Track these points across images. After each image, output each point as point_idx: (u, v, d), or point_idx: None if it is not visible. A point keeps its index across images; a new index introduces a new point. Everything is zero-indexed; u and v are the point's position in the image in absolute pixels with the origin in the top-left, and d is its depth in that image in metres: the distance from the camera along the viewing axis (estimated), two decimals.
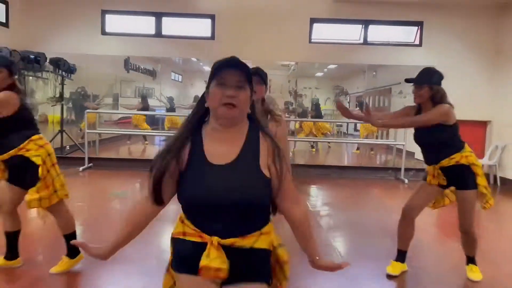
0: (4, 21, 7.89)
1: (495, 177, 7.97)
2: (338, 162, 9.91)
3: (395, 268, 3.48)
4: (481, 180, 3.25)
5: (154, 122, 11.23)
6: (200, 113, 1.56)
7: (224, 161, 1.49)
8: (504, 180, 7.85)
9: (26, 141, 3.00)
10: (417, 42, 8.48)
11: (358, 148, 10.69)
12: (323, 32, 8.56)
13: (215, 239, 1.46)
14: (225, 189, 1.45)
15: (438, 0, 7.94)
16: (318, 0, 8.32)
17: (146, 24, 8.55)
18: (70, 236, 3.20)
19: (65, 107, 8.75)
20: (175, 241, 1.57)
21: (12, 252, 3.21)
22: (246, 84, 1.51)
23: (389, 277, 3.41)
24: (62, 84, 8.40)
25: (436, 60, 8.23)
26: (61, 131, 8.35)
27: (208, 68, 9.85)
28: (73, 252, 3.22)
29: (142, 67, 11.08)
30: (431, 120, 3.23)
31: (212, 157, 1.49)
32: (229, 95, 1.46)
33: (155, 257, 3.58)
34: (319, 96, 9.95)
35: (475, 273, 3.45)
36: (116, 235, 1.57)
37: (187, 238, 1.51)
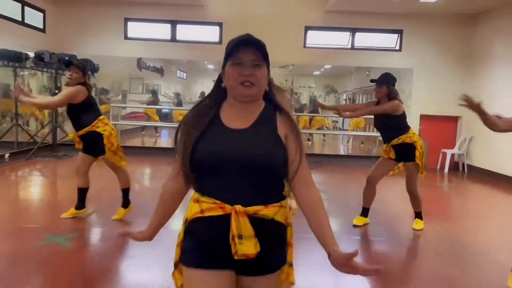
0: (41, 27, 9.08)
1: (463, 164, 9.11)
2: (329, 152, 11.05)
3: (359, 220, 4.68)
4: (418, 154, 4.46)
5: (162, 116, 12.20)
6: (218, 93, 1.50)
7: (241, 126, 1.43)
8: (470, 167, 8.99)
9: (96, 120, 4.22)
10: (397, 47, 9.50)
11: (348, 141, 11.86)
12: (316, 38, 9.56)
13: (239, 206, 1.33)
14: (245, 149, 1.37)
15: (416, 11, 8.89)
16: (312, 10, 9.30)
17: (163, 30, 9.57)
18: (126, 190, 4.43)
19: None
20: (192, 223, 1.42)
21: (81, 204, 4.43)
22: (263, 62, 1.44)
23: (355, 226, 4.62)
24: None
25: (414, 63, 9.37)
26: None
27: (212, 67, 10.99)
28: (126, 204, 4.46)
29: (152, 65, 12.20)
30: (385, 110, 4.43)
31: (229, 123, 1.44)
32: (246, 73, 1.40)
33: None
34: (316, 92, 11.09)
35: (417, 224, 4.65)
36: (153, 216, 1.57)
37: (206, 214, 1.37)
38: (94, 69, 9.36)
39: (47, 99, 4.41)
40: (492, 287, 3.26)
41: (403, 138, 4.45)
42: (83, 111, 4.19)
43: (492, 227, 5.16)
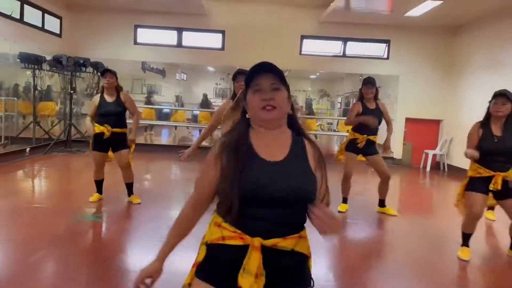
0: (58, 32, 9.82)
1: (444, 164, 9.90)
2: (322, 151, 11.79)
3: (342, 207, 5.44)
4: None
5: (162, 117, 12.80)
6: (243, 123, 1.52)
7: (274, 158, 1.43)
8: (450, 167, 9.75)
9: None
10: (385, 56, 10.25)
11: (341, 142, 12.60)
12: (311, 46, 10.27)
13: (257, 239, 1.35)
14: (286, 184, 1.37)
15: (402, 23, 9.60)
16: (307, 21, 10.02)
17: (170, 37, 10.27)
18: (130, 184, 5.20)
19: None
20: (211, 248, 1.44)
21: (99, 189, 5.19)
22: (281, 85, 1.46)
23: (339, 212, 5.38)
24: (98, 82, 10.33)
25: (400, 71, 10.15)
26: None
27: (212, 69, 11.69)
28: (130, 194, 5.23)
29: (155, 67, 12.91)
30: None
31: (265, 155, 1.44)
32: (266, 98, 1.42)
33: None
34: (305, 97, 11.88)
35: (387, 210, 5.42)
36: (165, 244, 1.54)
37: (227, 242, 1.39)
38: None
39: (136, 118, 5.07)
40: (454, 262, 4.03)
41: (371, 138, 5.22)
42: (123, 114, 4.97)
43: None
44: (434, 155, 9.92)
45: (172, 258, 1.59)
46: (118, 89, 4.93)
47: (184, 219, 1.55)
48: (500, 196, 3.74)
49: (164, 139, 12.85)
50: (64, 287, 2.98)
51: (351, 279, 3.42)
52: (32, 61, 8.52)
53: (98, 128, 4.82)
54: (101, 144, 4.88)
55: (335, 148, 12.66)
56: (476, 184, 3.76)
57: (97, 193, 5.19)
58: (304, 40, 10.28)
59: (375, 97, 5.23)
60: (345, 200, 5.48)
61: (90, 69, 9.65)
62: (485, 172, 3.71)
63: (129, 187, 5.23)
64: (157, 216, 4.76)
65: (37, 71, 8.81)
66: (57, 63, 8.83)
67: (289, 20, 10.06)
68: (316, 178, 1.47)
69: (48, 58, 8.85)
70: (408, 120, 10.18)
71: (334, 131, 12.86)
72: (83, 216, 4.60)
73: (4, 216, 4.56)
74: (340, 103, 12.13)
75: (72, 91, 9.35)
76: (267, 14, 9.99)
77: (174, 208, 5.30)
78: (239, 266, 1.35)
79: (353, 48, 10.33)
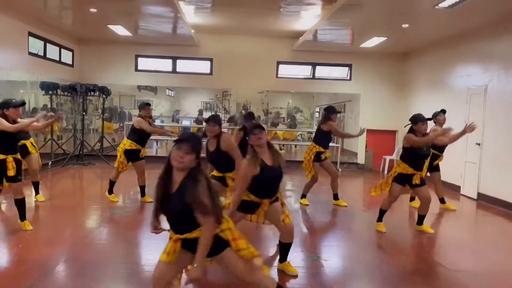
0: (71, 63, 11.45)
1: None
2: (292, 158, 13.53)
3: (304, 201, 7.11)
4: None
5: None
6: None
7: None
8: None
9: None
10: (348, 77, 12.05)
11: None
12: (285, 70, 12.03)
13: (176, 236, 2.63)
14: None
15: (362, 50, 11.29)
16: (283, 49, 11.71)
17: (166, 64, 11.94)
18: (143, 187, 6.76)
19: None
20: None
21: (110, 190, 6.73)
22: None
23: (302, 205, 7.06)
24: (103, 104, 11.92)
25: (361, 90, 12.01)
26: (102, 137, 11.90)
27: (198, 87, 13.42)
28: (143, 194, 6.82)
29: (148, 86, 14.56)
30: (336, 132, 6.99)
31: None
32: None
33: None
34: (287, 112, 13.67)
35: (340, 202, 7.13)
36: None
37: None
38: (108, 93, 11.62)
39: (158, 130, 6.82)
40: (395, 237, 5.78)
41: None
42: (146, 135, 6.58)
43: (405, 210, 7.69)
44: (391, 160, 11.74)
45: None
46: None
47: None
48: (414, 186, 5.44)
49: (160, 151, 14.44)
50: (118, 244, 4.65)
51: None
52: (50, 88, 10.09)
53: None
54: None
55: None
56: (400, 178, 5.42)
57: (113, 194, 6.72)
58: (280, 65, 12.02)
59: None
60: (304, 196, 7.05)
61: (97, 93, 11.23)
62: (410, 171, 5.36)
63: (142, 189, 6.83)
64: None
65: (53, 96, 10.38)
66: (72, 89, 10.43)
67: (267, 49, 11.76)
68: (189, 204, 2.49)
69: (62, 84, 10.40)
70: (369, 131, 11.91)
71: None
72: (114, 211, 6.25)
73: (60, 211, 6.18)
74: (319, 112, 13.80)
75: (84, 113, 10.95)
76: (248, 44, 11.69)
77: None
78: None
79: (321, 71, 12.14)
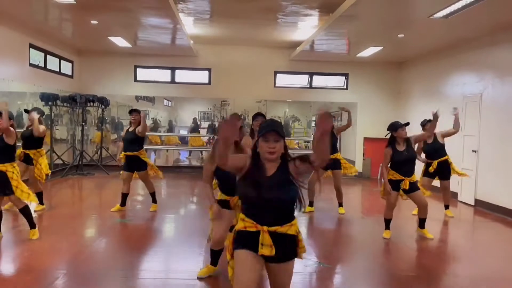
0: (70, 74, 11.52)
1: None
2: None
3: (308, 208, 7.19)
4: (344, 165, 7.05)
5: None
6: (256, 154, 2.44)
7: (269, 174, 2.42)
8: None
9: (142, 150, 6.66)
10: (345, 86, 12.17)
11: None
12: (283, 79, 12.13)
13: (265, 227, 2.32)
14: (275, 192, 2.36)
15: (358, 60, 11.40)
16: (280, 59, 11.83)
17: (165, 74, 12.02)
18: (153, 193, 6.79)
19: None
20: (239, 233, 2.42)
21: (123, 203, 6.73)
22: (281, 138, 2.38)
23: (304, 213, 7.11)
24: (103, 114, 11.96)
25: (358, 99, 12.11)
26: (101, 147, 11.92)
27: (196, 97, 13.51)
28: (154, 201, 6.85)
29: (146, 96, 14.61)
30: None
31: (265, 172, 2.42)
32: (271, 147, 2.37)
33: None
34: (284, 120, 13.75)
35: (340, 210, 7.15)
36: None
37: (248, 229, 2.38)
38: (107, 103, 11.65)
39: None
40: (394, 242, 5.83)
41: (333, 156, 7.00)
42: (140, 141, 6.56)
43: (404, 216, 7.75)
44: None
45: (175, 263, 3.31)
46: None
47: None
48: (408, 192, 5.54)
49: (158, 160, 14.46)
50: (119, 254, 4.68)
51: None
52: (50, 99, 10.11)
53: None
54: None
55: None
56: (391, 185, 5.53)
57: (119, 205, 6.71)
58: (278, 75, 12.12)
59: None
60: (311, 203, 7.12)
61: (96, 103, 11.27)
62: (398, 177, 5.51)
63: (152, 196, 6.83)
64: (162, 217, 6.48)
65: (53, 107, 10.41)
66: (72, 100, 10.48)
67: (265, 59, 11.87)
68: (298, 170, 2.39)
69: (62, 95, 10.42)
70: (366, 139, 12.10)
71: (309, 148, 14.60)
72: (120, 220, 6.27)
73: (63, 220, 6.19)
74: (315, 121, 13.96)
75: (84, 123, 10.99)
76: (246, 54, 11.80)
77: (179, 212, 7.02)
78: (255, 243, 2.34)
79: (318, 80, 12.25)
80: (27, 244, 4.91)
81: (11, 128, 4.83)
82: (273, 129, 2.37)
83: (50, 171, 6.70)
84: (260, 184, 2.37)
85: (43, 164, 6.25)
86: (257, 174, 2.41)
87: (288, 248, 2.43)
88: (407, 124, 5.79)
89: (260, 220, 2.37)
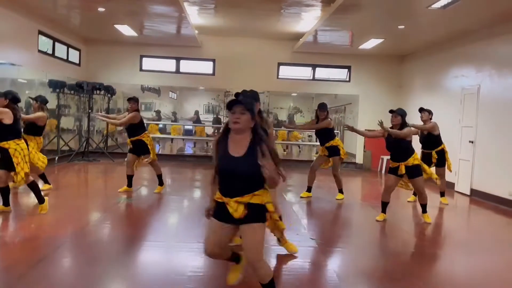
0: (78, 62, 11.74)
1: None
2: (303, 158, 13.80)
3: (305, 194, 7.37)
4: (342, 152, 7.20)
5: (161, 130, 14.91)
6: (226, 128, 2.71)
7: (238, 154, 2.63)
8: None
9: (144, 133, 6.87)
10: (347, 79, 12.29)
11: (316, 152, 14.61)
12: (286, 71, 12.28)
13: (228, 199, 2.64)
14: (241, 168, 2.61)
15: (361, 53, 11.55)
16: (283, 51, 11.96)
17: (170, 64, 12.20)
18: (160, 175, 7.03)
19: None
20: (216, 202, 2.76)
21: (129, 184, 6.99)
22: (246, 111, 2.59)
23: (301, 198, 7.28)
24: (109, 102, 12.17)
25: (360, 91, 12.24)
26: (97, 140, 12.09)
27: (202, 88, 13.69)
28: (161, 183, 7.06)
29: (152, 87, 14.84)
30: (323, 126, 7.19)
31: (232, 152, 2.65)
32: (235, 117, 2.60)
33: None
34: (286, 112, 13.92)
35: (339, 196, 7.31)
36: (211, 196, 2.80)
37: (218, 200, 2.73)
38: (113, 92, 11.86)
39: (118, 119, 6.87)
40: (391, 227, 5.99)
41: (332, 143, 7.13)
42: (137, 126, 6.81)
43: (400, 205, 7.88)
44: (388, 160, 11.95)
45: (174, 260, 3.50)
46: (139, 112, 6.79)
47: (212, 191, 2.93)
48: (409, 177, 5.73)
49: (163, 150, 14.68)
50: (121, 227, 4.88)
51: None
52: (57, 86, 10.32)
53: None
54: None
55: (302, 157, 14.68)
56: (390, 170, 5.84)
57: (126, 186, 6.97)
58: (281, 67, 12.27)
59: (326, 117, 7.11)
60: (309, 189, 7.28)
61: (102, 92, 11.47)
62: (394, 163, 5.72)
63: (159, 178, 7.02)
64: (162, 200, 6.68)
65: (60, 94, 10.63)
66: (79, 87, 10.69)
67: (268, 50, 12.01)
68: (260, 163, 2.54)
69: (69, 83, 10.63)
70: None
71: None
72: (122, 199, 6.47)
73: (69, 199, 6.41)
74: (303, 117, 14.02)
75: (90, 111, 11.20)
76: (250, 46, 11.95)
77: (182, 194, 7.24)
78: (224, 211, 2.70)
79: (321, 72, 12.38)
80: (34, 217, 5.13)
81: (5, 109, 4.93)
82: (239, 102, 2.63)
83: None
84: (225, 159, 2.65)
85: (35, 157, 5.69)
86: (222, 149, 2.69)
87: (255, 214, 2.69)
88: (391, 111, 6.16)
89: (224, 192, 2.69)
